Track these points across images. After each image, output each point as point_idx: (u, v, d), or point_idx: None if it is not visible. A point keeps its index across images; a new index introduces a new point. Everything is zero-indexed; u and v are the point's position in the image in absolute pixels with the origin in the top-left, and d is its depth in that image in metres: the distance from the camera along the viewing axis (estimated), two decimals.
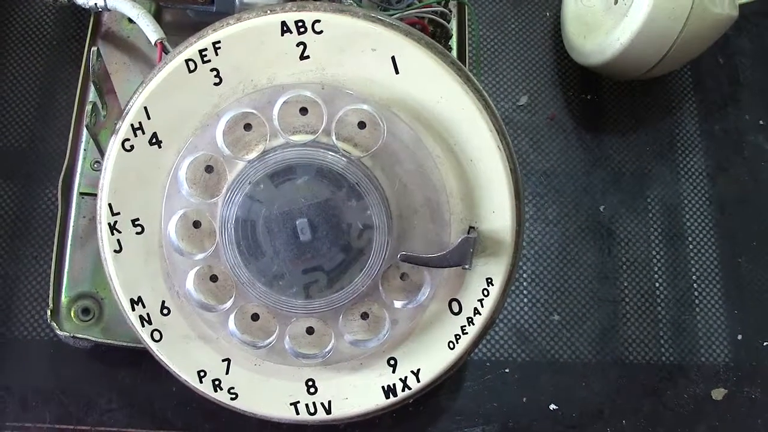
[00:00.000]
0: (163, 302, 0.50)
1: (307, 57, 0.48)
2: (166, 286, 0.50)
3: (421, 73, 0.48)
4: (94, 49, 0.57)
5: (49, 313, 0.58)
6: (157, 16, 0.62)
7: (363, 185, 0.48)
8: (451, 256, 0.48)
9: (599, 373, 0.65)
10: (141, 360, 0.60)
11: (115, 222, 0.49)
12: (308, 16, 0.47)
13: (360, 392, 0.51)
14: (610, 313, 0.67)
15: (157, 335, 0.50)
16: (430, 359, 0.51)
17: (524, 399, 0.63)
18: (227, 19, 0.48)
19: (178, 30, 0.58)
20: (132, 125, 0.48)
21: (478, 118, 0.48)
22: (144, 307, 0.50)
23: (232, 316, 0.50)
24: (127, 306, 0.50)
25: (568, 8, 0.72)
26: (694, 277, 0.68)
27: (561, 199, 0.70)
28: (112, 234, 0.49)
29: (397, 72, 0.48)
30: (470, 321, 0.50)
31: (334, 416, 0.51)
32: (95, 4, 0.60)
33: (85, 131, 0.60)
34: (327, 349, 0.51)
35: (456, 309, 0.50)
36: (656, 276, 0.68)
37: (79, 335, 0.58)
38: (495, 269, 0.50)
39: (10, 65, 0.69)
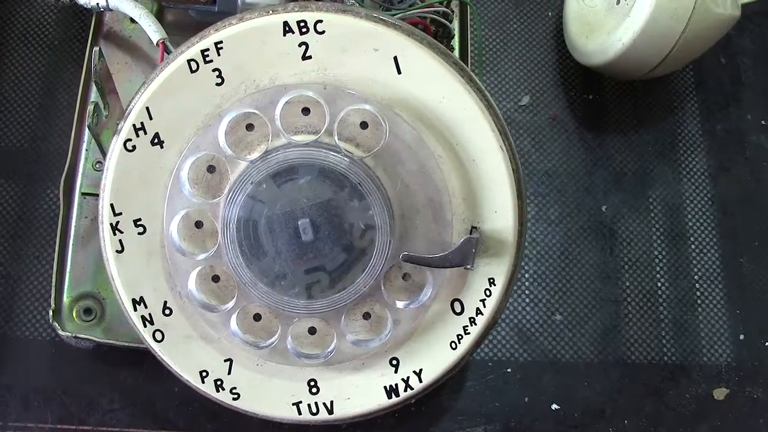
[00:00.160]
0: (165, 302, 0.50)
1: (310, 57, 0.48)
2: (168, 286, 0.50)
3: (424, 74, 0.48)
4: (96, 49, 0.57)
5: (51, 313, 0.58)
6: (159, 16, 0.62)
7: (365, 185, 0.48)
8: (453, 257, 0.48)
9: (601, 372, 0.65)
10: (143, 360, 0.60)
11: (117, 222, 0.49)
12: (310, 17, 0.47)
13: (362, 392, 0.51)
14: (612, 312, 0.66)
15: (159, 335, 0.50)
16: (433, 359, 0.51)
17: (526, 399, 0.63)
18: (229, 19, 0.48)
19: (180, 30, 0.58)
20: (134, 125, 0.48)
21: (481, 118, 0.48)
22: (146, 307, 0.50)
23: (234, 317, 0.50)
24: (128, 306, 0.50)
25: (570, 8, 0.72)
26: (696, 276, 0.68)
27: (563, 199, 0.70)
28: (114, 234, 0.49)
29: (399, 72, 0.48)
30: (472, 321, 0.50)
31: (336, 416, 0.52)
32: (97, 4, 0.60)
33: (87, 131, 0.61)
34: (329, 349, 0.51)
35: (458, 309, 0.50)
36: (658, 276, 0.68)
37: (81, 335, 0.58)
38: (497, 269, 0.50)
39: (12, 65, 0.69)
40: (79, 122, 0.61)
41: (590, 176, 0.71)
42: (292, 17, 0.47)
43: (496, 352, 0.65)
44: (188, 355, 0.51)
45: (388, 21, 0.48)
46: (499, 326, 0.65)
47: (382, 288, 0.49)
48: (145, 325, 0.50)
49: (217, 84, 0.48)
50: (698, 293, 0.68)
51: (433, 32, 0.62)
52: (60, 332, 0.58)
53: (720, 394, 0.65)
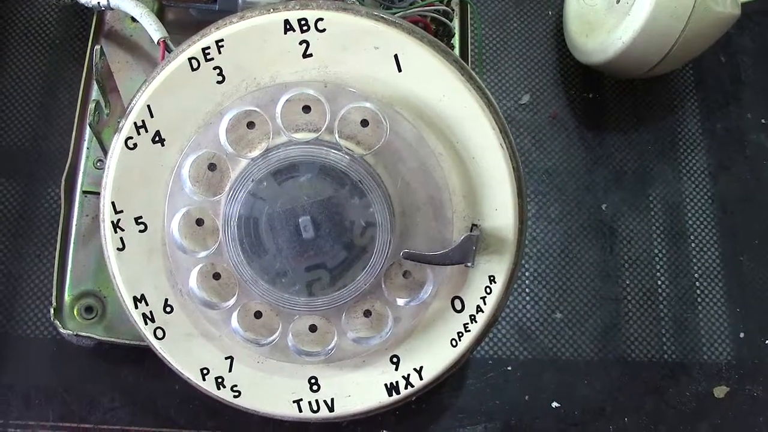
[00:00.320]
0: (166, 300, 0.50)
1: (310, 55, 0.48)
2: (169, 284, 0.50)
3: (424, 71, 0.48)
4: (97, 47, 0.57)
5: (52, 311, 0.58)
6: (160, 15, 0.62)
7: (366, 183, 0.48)
8: (453, 254, 0.48)
9: (601, 371, 0.65)
10: (144, 358, 0.60)
11: (118, 220, 0.49)
12: (311, 15, 0.47)
13: (363, 390, 0.52)
14: (612, 311, 0.67)
15: (159, 333, 0.51)
16: (433, 357, 0.51)
17: (526, 397, 0.64)
18: (230, 17, 0.48)
19: (181, 29, 0.58)
20: (135, 123, 0.48)
21: (481, 116, 0.48)
22: (147, 305, 0.50)
23: (234, 314, 0.50)
24: (130, 304, 0.50)
25: (571, 7, 0.72)
26: (696, 275, 0.68)
27: (563, 197, 0.70)
28: (115, 232, 0.49)
29: (399, 70, 0.48)
30: (473, 319, 0.50)
31: (336, 414, 0.52)
32: (98, 2, 0.60)
33: (88, 130, 0.61)
34: (330, 347, 0.51)
35: (459, 307, 0.51)
36: (658, 274, 0.68)
37: (82, 333, 0.58)
38: (497, 267, 0.50)
39: (13, 64, 0.69)
40: (80, 121, 0.61)
41: (590, 174, 0.71)
42: (293, 15, 0.47)
43: (496, 350, 0.65)
44: (189, 353, 0.51)
45: (389, 19, 0.48)
46: (500, 324, 0.65)
47: (383, 285, 0.50)
48: (146, 323, 0.50)
49: (218, 82, 0.48)
50: (698, 291, 0.68)
51: (434, 31, 0.62)
52: (61, 330, 0.58)
53: (720, 392, 0.65)
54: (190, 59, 0.48)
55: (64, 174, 0.60)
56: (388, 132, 0.48)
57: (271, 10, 0.48)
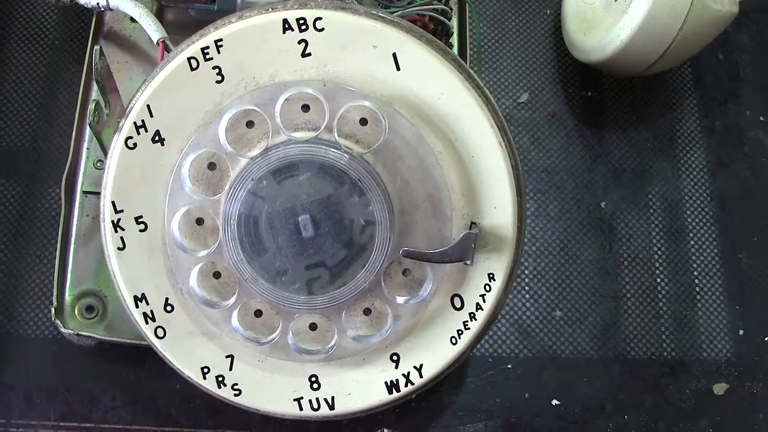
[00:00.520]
0: (167, 299, 0.51)
1: (309, 54, 0.48)
2: (170, 283, 0.50)
3: (423, 70, 0.48)
4: (97, 47, 0.57)
5: (53, 311, 0.58)
6: (159, 15, 0.62)
7: (365, 181, 0.48)
8: (452, 252, 0.48)
9: (601, 368, 0.65)
10: (145, 357, 0.60)
11: (119, 219, 0.49)
12: (310, 14, 0.47)
13: (363, 388, 0.52)
14: (612, 308, 0.67)
15: (160, 332, 0.51)
16: (433, 355, 0.51)
17: (526, 394, 0.64)
18: (229, 17, 0.48)
19: (180, 29, 0.58)
20: (135, 123, 0.48)
21: (480, 115, 0.48)
22: (147, 304, 0.50)
23: (235, 313, 0.50)
24: (130, 303, 0.50)
25: (569, 5, 0.72)
26: (695, 272, 0.68)
27: (562, 195, 0.70)
28: (116, 231, 0.50)
29: (398, 69, 0.48)
30: (472, 316, 0.51)
31: (337, 412, 0.52)
32: (97, 3, 0.60)
33: (88, 130, 0.61)
34: (330, 345, 0.51)
35: (458, 304, 0.51)
36: (657, 272, 0.68)
37: (83, 333, 0.58)
38: (497, 265, 0.50)
39: (13, 65, 0.69)
40: (80, 121, 0.61)
41: (589, 173, 0.71)
42: (292, 15, 0.47)
43: (496, 348, 0.65)
44: (190, 352, 0.51)
45: (387, 18, 0.48)
46: (499, 322, 0.65)
47: (383, 283, 0.50)
48: (146, 322, 0.50)
49: (217, 81, 0.48)
50: (697, 289, 0.68)
51: (432, 30, 0.62)
52: (62, 330, 0.58)
53: (719, 389, 0.65)
54: (189, 59, 0.48)
55: (65, 174, 0.60)
56: (387, 130, 0.48)
57: (270, 9, 0.48)
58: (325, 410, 0.52)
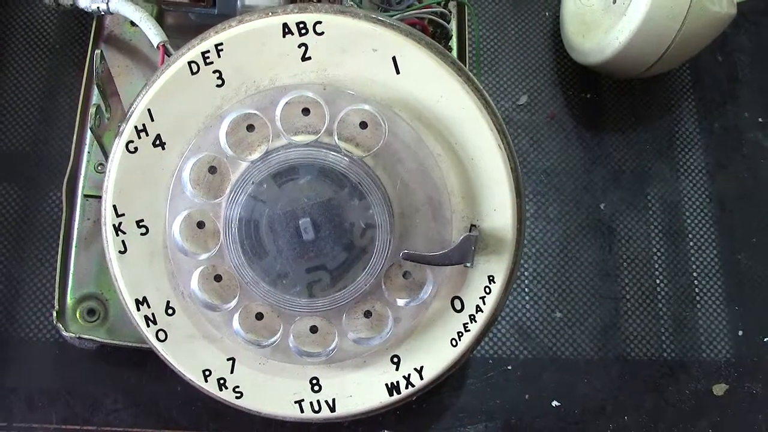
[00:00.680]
0: (168, 302, 0.51)
1: (309, 58, 0.48)
2: (171, 286, 0.51)
3: (422, 73, 0.48)
4: (97, 52, 0.57)
5: (54, 314, 0.58)
6: (159, 19, 0.62)
7: (365, 185, 0.48)
8: (453, 254, 0.49)
9: (601, 369, 0.65)
10: (146, 360, 0.61)
11: (120, 223, 0.50)
12: (309, 18, 0.48)
13: (364, 390, 0.52)
14: (612, 309, 0.67)
15: (162, 335, 0.51)
16: (433, 357, 0.51)
17: (527, 396, 0.64)
18: (229, 21, 0.48)
19: (180, 33, 0.58)
20: (136, 127, 0.48)
21: (479, 118, 0.49)
22: (149, 307, 0.50)
23: (236, 316, 0.50)
24: (132, 306, 0.50)
25: (567, 8, 0.72)
26: (694, 273, 0.68)
27: (561, 197, 0.70)
28: (117, 235, 0.50)
29: (398, 72, 0.48)
30: (472, 318, 0.51)
31: (338, 414, 0.52)
32: (98, 7, 0.60)
33: (89, 134, 0.61)
34: (331, 348, 0.51)
35: (458, 306, 0.51)
36: (657, 273, 0.68)
37: (85, 336, 0.58)
38: (496, 267, 0.50)
39: (14, 69, 0.69)
40: (81, 125, 0.61)
41: (589, 174, 0.71)
42: (292, 19, 0.48)
43: (496, 349, 0.65)
44: (191, 355, 0.51)
45: (387, 22, 0.48)
46: (499, 324, 0.66)
47: (383, 286, 0.50)
48: (148, 325, 0.51)
49: (218, 85, 0.48)
50: (697, 290, 0.68)
51: (431, 33, 0.62)
52: (64, 333, 0.58)
53: (719, 389, 0.65)
54: (189, 63, 0.48)
55: (66, 178, 0.60)
56: (387, 134, 0.48)
57: (270, 13, 0.48)
58: (326, 412, 0.52)
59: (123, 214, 0.49)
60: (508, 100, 0.73)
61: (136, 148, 0.49)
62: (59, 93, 0.69)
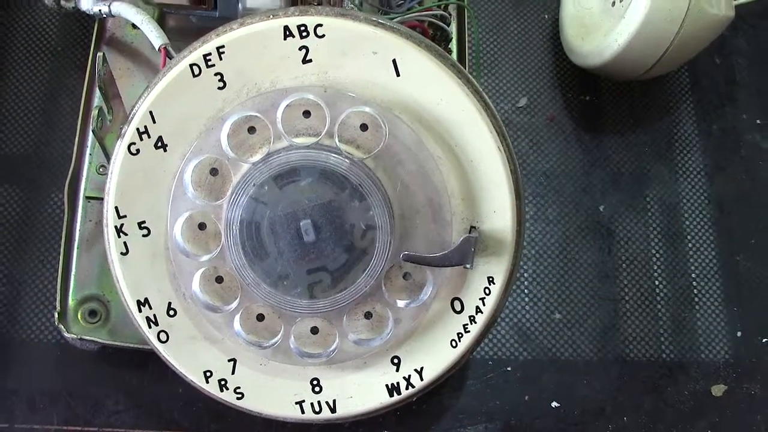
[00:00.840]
0: (170, 304, 0.51)
1: (310, 61, 0.48)
2: (173, 287, 0.51)
3: (422, 76, 0.48)
4: (99, 54, 0.57)
5: (56, 315, 0.58)
6: (161, 22, 0.62)
7: (365, 186, 0.48)
8: (452, 256, 0.49)
9: (600, 370, 0.65)
10: (147, 361, 0.61)
11: (122, 225, 0.50)
12: (310, 21, 0.48)
13: (364, 391, 0.52)
14: (611, 311, 0.67)
15: (163, 336, 0.51)
16: (433, 358, 0.52)
17: (526, 397, 0.64)
18: (230, 24, 0.49)
19: (182, 35, 0.58)
20: (138, 129, 0.49)
21: (479, 120, 0.49)
22: (150, 308, 0.51)
23: (237, 317, 0.51)
24: (133, 308, 0.51)
25: (567, 11, 0.73)
26: (693, 275, 0.69)
27: (561, 199, 0.70)
28: (119, 237, 0.50)
29: (398, 75, 0.48)
30: (472, 319, 0.51)
31: (338, 415, 0.52)
32: (99, 10, 0.61)
33: (90, 136, 0.61)
34: (331, 349, 0.51)
35: (458, 308, 0.51)
36: (656, 274, 0.68)
37: (86, 337, 0.58)
38: (496, 268, 0.50)
39: (16, 71, 0.69)
40: (82, 127, 0.61)
41: (588, 176, 0.71)
42: (293, 21, 0.48)
43: (496, 351, 0.65)
44: (192, 356, 0.51)
45: (387, 24, 0.49)
46: (499, 325, 0.66)
47: (383, 287, 0.50)
48: (149, 326, 0.51)
49: (219, 88, 0.49)
50: (696, 291, 0.68)
51: (431, 35, 0.62)
52: (65, 334, 0.58)
53: (718, 390, 0.65)
54: (191, 65, 0.48)
55: (67, 180, 0.60)
56: (387, 136, 0.48)
57: (271, 16, 0.48)
58: (326, 413, 0.52)
59: (125, 216, 0.50)
60: (508, 102, 0.73)
61: (137, 150, 0.49)
62: (61, 95, 0.69)
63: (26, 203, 0.66)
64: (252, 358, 0.52)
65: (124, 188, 0.49)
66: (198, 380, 0.51)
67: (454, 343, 0.51)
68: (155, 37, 0.58)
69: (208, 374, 0.51)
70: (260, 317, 0.51)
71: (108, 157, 0.57)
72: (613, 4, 0.67)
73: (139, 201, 0.50)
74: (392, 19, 0.58)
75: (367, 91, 0.49)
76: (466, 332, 0.51)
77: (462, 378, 0.64)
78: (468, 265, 0.49)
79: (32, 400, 0.61)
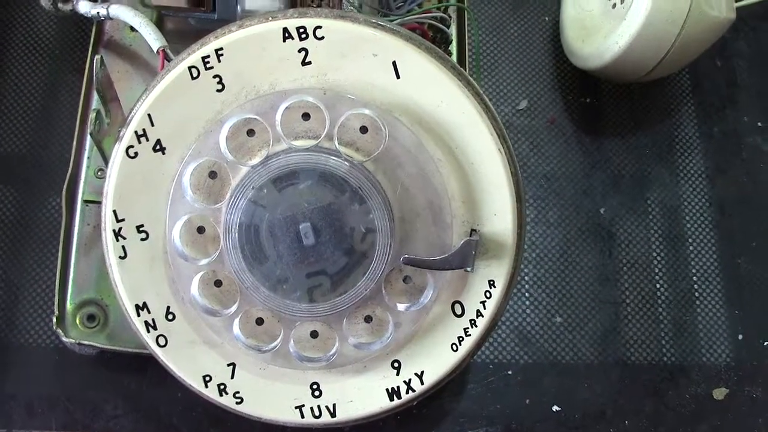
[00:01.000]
0: (168, 308, 0.51)
1: (309, 63, 0.48)
2: (171, 291, 0.51)
3: (422, 78, 0.48)
4: (98, 57, 0.57)
5: (54, 320, 0.58)
6: (159, 24, 0.62)
7: (365, 189, 0.48)
8: (453, 259, 0.49)
9: (601, 374, 0.65)
10: (146, 366, 0.60)
11: (120, 228, 0.49)
12: (309, 23, 0.48)
13: (364, 395, 0.52)
14: (612, 314, 0.67)
15: (162, 341, 0.51)
16: (434, 361, 0.51)
17: (527, 401, 0.64)
18: (229, 26, 0.49)
19: (180, 38, 0.58)
20: (136, 132, 0.48)
21: (479, 122, 0.49)
22: (149, 312, 0.50)
23: (236, 321, 0.50)
24: (132, 312, 0.50)
25: (567, 13, 0.72)
26: (694, 277, 0.68)
27: (561, 201, 0.70)
28: (117, 240, 0.50)
29: (398, 77, 0.48)
30: (473, 323, 0.51)
31: (338, 419, 0.52)
32: (98, 12, 0.61)
33: (88, 139, 0.61)
34: (331, 353, 0.51)
35: (459, 311, 0.51)
36: (657, 277, 0.68)
37: (85, 342, 0.58)
38: (497, 271, 0.50)
39: (13, 74, 0.69)
40: (80, 130, 0.61)
41: (588, 179, 0.71)
42: (292, 23, 0.48)
43: (496, 354, 0.65)
44: (191, 360, 0.51)
45: (387, 26, 0.48)
46: (500, 329, 0.66)
47: (383, 291, 0.50)
48: (148, 331, 0.51)
49: (218, 90, 0.48)
50: (697, 294, 0.68)
51: (431, 37, 0.62)
52: (64, 339, 0.58)
53: (719, 394, 0.65)
54: (189, 68, 0.48)
55: (65, 183, 0.60)
56: (387, 138, 0.48)
57: (270, 18, 0.48)
58: (326, 417, 0.52)
59: (123, 220, 0.49)
60: (508, 104, 0.73)
61: (136, 153, 0.49)
62: (59, 98, 0.69)
63: (24, 207, 0.66)
64: (251, 363, 0.51)
65: (123, 192, 0.49)
66: (197, 385, 0.51)
67: (454, 347, 0.51)
68: (153, 39, 0.58)
69: (207, 378, 0.51)
70: (259, 321, 0.51)
71: (106, 160, 0.57)
72: (614, 6, 0.67)
73: (137, 204, 0.49)
74: (392, 21, 0.58)
75: (366, 93, 0.49)
76: (466, 336, 0.51)
77: (463, 382, 0.64)
78: (469, 269, 0.49)
79: (30, 404, 0.61)
